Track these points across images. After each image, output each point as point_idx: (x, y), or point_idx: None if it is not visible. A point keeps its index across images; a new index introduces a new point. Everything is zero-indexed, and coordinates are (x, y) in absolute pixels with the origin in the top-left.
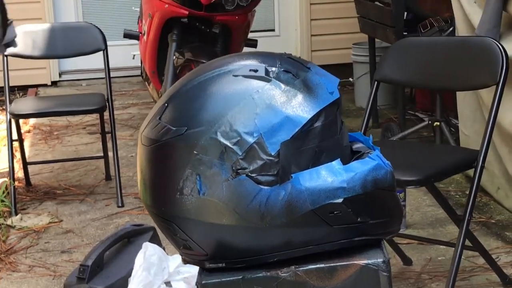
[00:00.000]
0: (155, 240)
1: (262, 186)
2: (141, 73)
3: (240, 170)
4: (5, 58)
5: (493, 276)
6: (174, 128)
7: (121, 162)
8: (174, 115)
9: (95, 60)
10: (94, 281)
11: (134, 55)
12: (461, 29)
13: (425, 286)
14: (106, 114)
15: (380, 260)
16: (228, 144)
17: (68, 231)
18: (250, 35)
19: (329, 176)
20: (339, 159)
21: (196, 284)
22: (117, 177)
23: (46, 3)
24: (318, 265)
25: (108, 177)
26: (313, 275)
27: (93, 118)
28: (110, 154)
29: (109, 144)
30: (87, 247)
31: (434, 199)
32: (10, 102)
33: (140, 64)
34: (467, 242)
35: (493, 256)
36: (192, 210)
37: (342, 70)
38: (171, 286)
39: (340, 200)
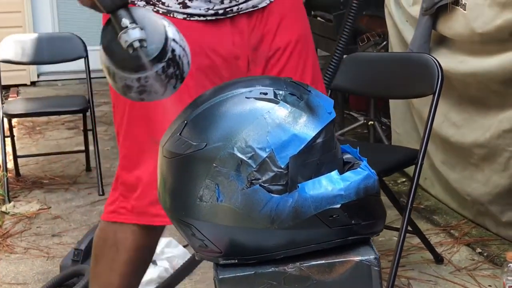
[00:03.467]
0: None
1: (273, 195)
2: None
3: (254, 181)
4: None
5: (427, 254)
6: (195, 143)
7: None
8: (194, 132)
9: (70, 63)
10: (87, 263)
11: None
12: (395, 44)
13: None
14: None
15: (372, 257)
16: (244, 158)
17: (57, 217)
18: None
19: (329, 185)
20: (336, 170)
21: (213, 279)
22: (98, 169)
23: (26, 13)
24: (319, 262)
25: (88, 168)
26: (315, 270)
27: (70, 115)
28: (90, 148)
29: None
30: (75, 231)
31: None
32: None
33: None
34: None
35: None
36: (210, 214)
37: None
38: (156, 264)
39: (338, 206)
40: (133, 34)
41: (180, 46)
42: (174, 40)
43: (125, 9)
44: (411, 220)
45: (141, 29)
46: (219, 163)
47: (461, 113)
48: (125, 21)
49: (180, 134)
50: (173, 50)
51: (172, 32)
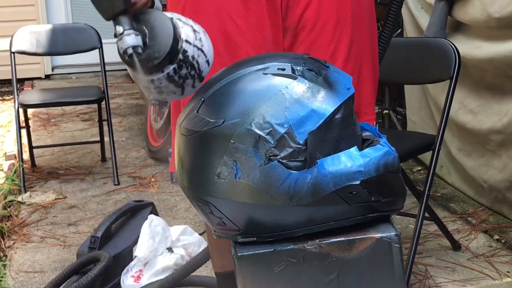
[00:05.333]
0: (154, 213)
1: (291, 171)
2: None
3: (272, 157)
4: (12, 54)
5: (444, 241)
6: (212, 120)
7: None
8: (211, 109)
9: (84, 56)
10: (103, 250)
11: None
12: (409, 30)
13: None
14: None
15: (393, 233)
16: (262, 134)
17: (73, 206)
18: None
19: (348, 161)
20: (356, 146)
21: (232, 256)
22: (113, 159)
23: (39, 6)
24: (339, 239)
25: (103, 159)
26: (335, 247)
27: (85, 107)
28: (105, 139)
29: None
30: (90, 220)
31: None
32: (17, 93)
33: None
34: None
35: None
36: (228, 191)
37: None
38: (172, 251)
39: (358, 182)
40: (127, 41)
41: (195, 46)
42: (187, 41)
43: (124, 15)
44: (428, 207)
45: (137, 34)
46: (237, 139)
47: (478, 100)
48: (119, 28)
49: (197, 111)
50: (184, 51)
51: (185, 33)
